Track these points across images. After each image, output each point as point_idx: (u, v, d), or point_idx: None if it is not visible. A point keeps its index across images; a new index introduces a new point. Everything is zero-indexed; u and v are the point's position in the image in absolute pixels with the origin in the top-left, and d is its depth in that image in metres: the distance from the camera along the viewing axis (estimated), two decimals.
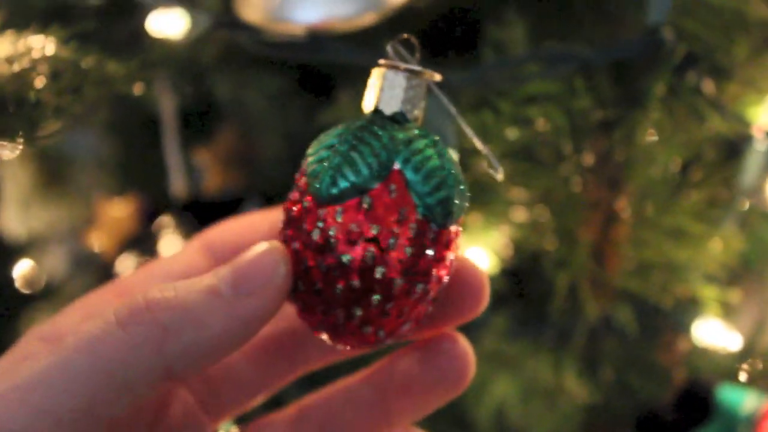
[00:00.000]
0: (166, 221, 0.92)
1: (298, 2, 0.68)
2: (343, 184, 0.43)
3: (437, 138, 0.46)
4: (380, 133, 0.45)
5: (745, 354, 0.87)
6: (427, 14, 0.85)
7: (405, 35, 0.48)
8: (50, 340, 0.47)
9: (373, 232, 0.43)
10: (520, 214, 0.79)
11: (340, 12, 0.69)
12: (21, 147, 0.56)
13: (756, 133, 0.77)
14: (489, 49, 0.75)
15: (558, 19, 0.79)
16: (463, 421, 0.90)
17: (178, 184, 0.91)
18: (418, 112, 0.47)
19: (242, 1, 0.70)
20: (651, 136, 0.74)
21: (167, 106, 0.85)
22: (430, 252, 0.44)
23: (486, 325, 0.87)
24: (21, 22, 0.62)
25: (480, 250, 0.83)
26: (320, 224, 0.44)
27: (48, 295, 1.10)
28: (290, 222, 0.45)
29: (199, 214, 0.88)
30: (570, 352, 0.84)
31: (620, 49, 0.73)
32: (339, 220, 0.43)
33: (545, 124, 0.74)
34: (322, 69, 0.89)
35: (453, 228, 0.45)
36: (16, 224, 1.13)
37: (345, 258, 0.43)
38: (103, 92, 0.61)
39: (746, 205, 0.79)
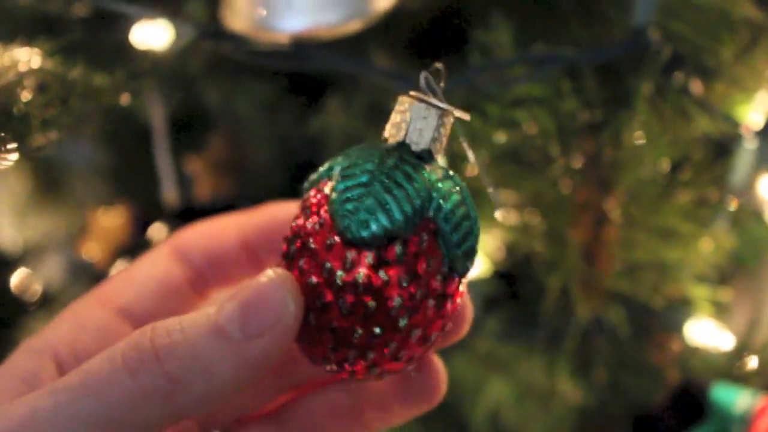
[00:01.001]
0: (158, 229, 0.92)
1: (283, 11, 0.68)
2: (376, 229, 0.42)
3: (459, 180, 0.45)
4: (414, 175, 0.44)
5: (739, 353, 0.87)
6: (413, 18, 0.85)
7: (437, 64, 0.47)
8: (42, 352, 0.47)
9: (404, 284, 0.43)
10: (510, 217, 0.79)
11: (326, 20, 0.69)
12: (11, 160, 0.56)
13: (745, 132, 0.77)
14: (476, 53, 0.75)
15: (544, 21, 0.80)
16: (457, 423, 0.90)
17: (169, 193, 0.91)
18: (441, 148, 0.46)
19: (228, 11, 0.70)
20: (639, 137, 0.74)
21: (157, 116, 0.85)
22: (449, 301, 0.44)
23: (479, 328, 0.87)
24: (6, 35, 0.62)
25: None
26: (348, 265, 0.43)
27: (44, 304, 1.11)
28: (305, 251, 0.44)
29: (191, 221, 0.88)
30: (563, 354, 0.84)
31: (606, 51, 0.74)
32: (368, 261, 0.43)
33: (533, 127, 0.74)
34: (311, 75, 0.89)
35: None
36: (12, 233, 1.13)
37: (371, 304, 0.43)
38: (90, 104, 0.62)
39: (736, 205, 0.79)
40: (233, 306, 0.42)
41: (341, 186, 0.44)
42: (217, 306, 0.42)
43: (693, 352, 0.86)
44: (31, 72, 0.59)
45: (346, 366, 0.44)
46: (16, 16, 0.74)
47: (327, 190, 0.45)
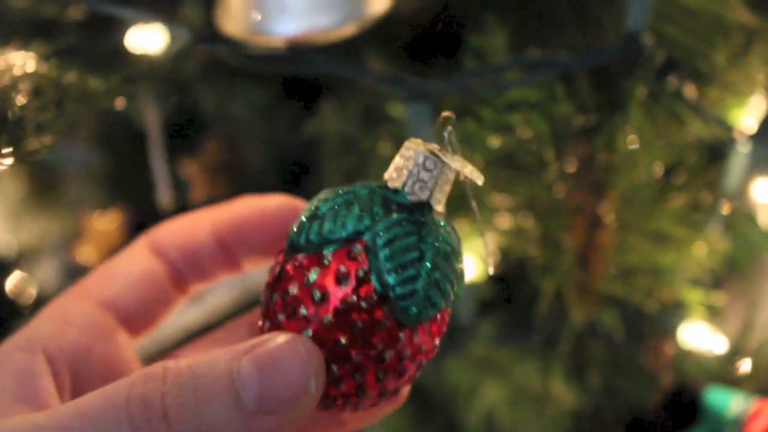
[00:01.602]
0: None
1: (277, 15, 0.69)
2: (426, 313, 0.42)
3: (452, 235, 0.44)
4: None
5: (732, 356, 0.87)
6: (408, 23, 0.85)
7: (448, 113, 0.46)
8: (32, 350, 0.46)
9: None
10: (504, 221, 0.79)
11: (320, 24, 0.69)
12: (6, 164, 0.56)
13: (738, 136, 0.78)
14: (470, 57, 0.75)
15: (538, 25, 0.80)
16: (452, 426, 0.90)
17: (164, 196, 0.91)
18: (442, 201, 0.45)
19: (223, 15, 0.70)
20: (633, 142, 0.74)
21: (152, 119, 0.85)
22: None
23: (474, 332, 0.87)
24: (1, 38, 0.62)
25: (467, 256, 0.83)
26: (400, 343, 0.42)
27: (39, 308, 1.10)
28: (344, 322, 0.42)
29: None
30: (557, 357, 0.85)
31: (600, 55, 0.74)
32: (416, 340, 0.42)
33: (527, 131, 0.74)
34: (306, 78, 0.89)
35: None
36: (7, 237, 1.13)
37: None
38: (85, 108, 0.62)
39: (729, 209, 0.80)
40: (251, 371, 0.39)
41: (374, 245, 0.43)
42: (232, 356, 0.40)
43: (686, 355, 0.86)
44: (26, 76, 0.59)
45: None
46: (11, 19, 0.74)
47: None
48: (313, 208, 0.44)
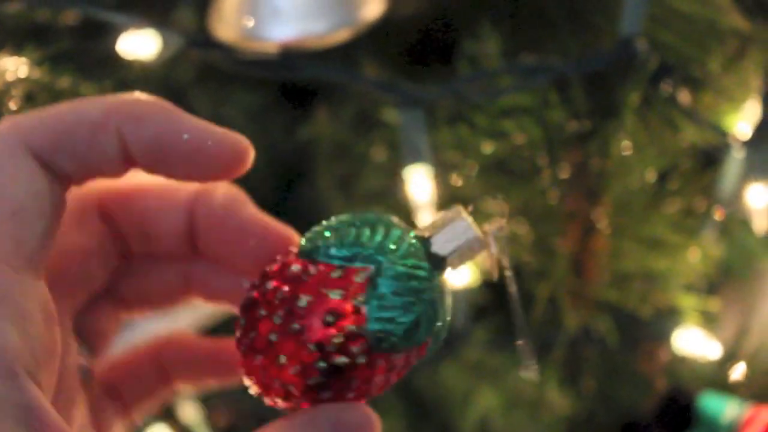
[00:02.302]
0: None
1: (271, 20, 0.69)
2: (397, 348, 0.42)
3: (443, 299, 0.43)
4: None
5: (727, 362, 0.87)
6: (401, 29, 0.85)
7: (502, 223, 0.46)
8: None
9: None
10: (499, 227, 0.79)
11: (314, 29, 0.69)
12: None
13: (732, 141, 0.77)
14: (464, 63, 0.75)
15: (532, 31, 0.80)
16: (447, 431, 0.90)
17: None
18: (455, 267, 0.46)
19: (216, 20, 0.70)
20: (626, 147, 0.74)
21: None
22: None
23: (468, 337, 0.87)
24: None
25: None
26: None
27: None
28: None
29: None
30: (551, 363, 0.84)
31: (594, 61, 0.74)
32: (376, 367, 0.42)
33: (521, 137, 0.74)
34: (300, 84, 0.89)
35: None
36: None
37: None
38: None
39: (724, 214, 0.80)
40: None
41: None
42: None
43: (681, 361, 0.86)
44: (19, 81, 0.60)
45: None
46: (3, 24, 0.73)
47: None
48: (333, 223, 0.44)
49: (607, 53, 0.73)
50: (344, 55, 0.76)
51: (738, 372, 0.88)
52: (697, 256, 0.80)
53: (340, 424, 0.40)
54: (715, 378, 0.87)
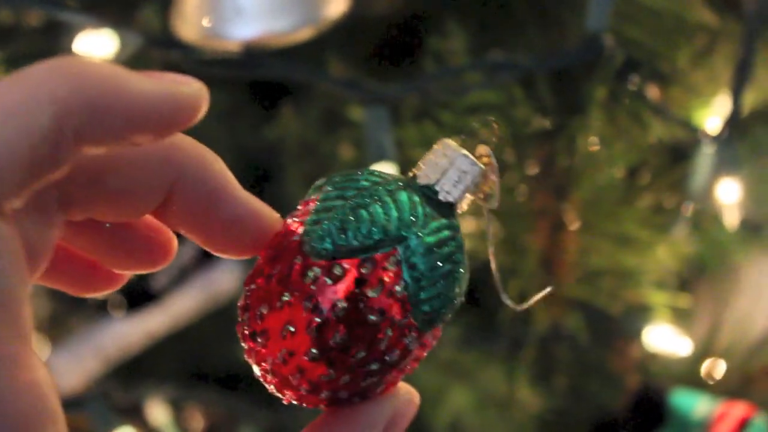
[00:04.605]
0: None
1: (232, 19, 0.68)
2: (440, 320, 0.39)
3: (461, 241, 0.42)
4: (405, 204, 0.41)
5: (698, 358, 0.87)
6: (368, 27, 0.84)
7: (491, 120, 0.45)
8: None
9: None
10: (468, 224, 0.78)
11: (276, 27, 0.69)
12: None
13: (702, 137, 0.77)
14: (430, 60, 0.75)
15: (498, 28, 0.79)
16: (418, 430, 0.90)
17: None
18: (464, 207, 0.43)
19: (178, 20, 0.70)
20: (594, 143, 0.74)
21: None
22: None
23: (440, 336, 0.87)
24: None
25: None
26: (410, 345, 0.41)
27: None
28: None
29: None
30: (523, 361, 0.84)
31: (561, 57, 0.73)
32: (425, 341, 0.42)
33: (487, 134, 0.73)
34: (268, 83, 0.88)
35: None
36: None
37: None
38: None
39: (695, 209, 0.79)
40: None
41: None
42: None
43: (652, 358, 0.86)
44: None
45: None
46: None
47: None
48: (329, 205, 0.41)
49: (573, 49, 0.72)
50: (311, 53, 0.76)
51: (710, 368, 0.88)
52: (667, 252, 0.80)
53: (395, 413, 0.39)
54: (687, 374, 0.87)
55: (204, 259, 0.93)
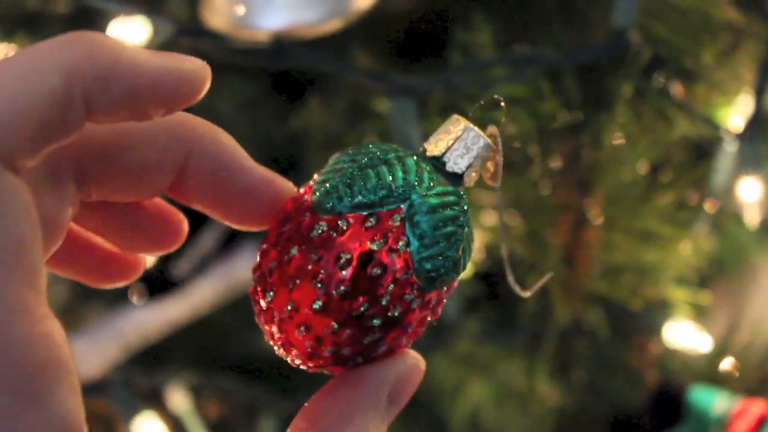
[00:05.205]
0: None
1: (263, 9, 0.68)
2: (445, 281, 0.40)
3: (465, 207, 0.40)
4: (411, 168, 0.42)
5: (717, 355, 0.87)
6: (394, 19, 0.85)
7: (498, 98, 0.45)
8: None
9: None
10: (490, 219, 0.79)
11: (305, 18, 0.69)
12: None
13: (725, 135, 0.77)
14: (457, 53, 0.75)
15: (525, 22, 0.80)
16: (437, 423, 0.90)
17: None
18: (471, 181, 0.44)
19: (207, 9, 0.70)
20: (618, 139, 0.74)
21: None
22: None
23: (459, 329, 0.87)
24: None
25: None
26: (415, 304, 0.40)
27: None
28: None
29: None
30: (542, 355, 0.84)
31: (587, 52, 0.74)
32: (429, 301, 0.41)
33: (513, 128, 0.74)
34: (292, 73, 0.89)
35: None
36: None
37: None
38: None
39: (716, 207, 0.80)
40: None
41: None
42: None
43: (672, 354, 0.86)
44: None
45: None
46: None
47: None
48: (339, 167, 0.42)
49: (600, 45, 0.73)
50: (336, 45, 0.76)
51: (728, 365, 0.88)
52: (688, 248, 0.80)
53: (401, 377, 0.39)
54: (706, 371, 0.87)
55: (224, 248, 0.94)
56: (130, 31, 0.68)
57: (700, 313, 0.84)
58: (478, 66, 0.73)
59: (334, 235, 0.38)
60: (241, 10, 0.68)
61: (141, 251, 0.44)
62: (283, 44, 0.70)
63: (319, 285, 0.37)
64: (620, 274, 0.79)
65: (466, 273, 0.83)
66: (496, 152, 0.43)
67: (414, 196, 0.39)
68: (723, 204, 0.80)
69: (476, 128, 0.41)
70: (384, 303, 0.38)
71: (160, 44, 0.67)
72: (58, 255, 0.42)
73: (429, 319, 0.41)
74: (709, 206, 0.79)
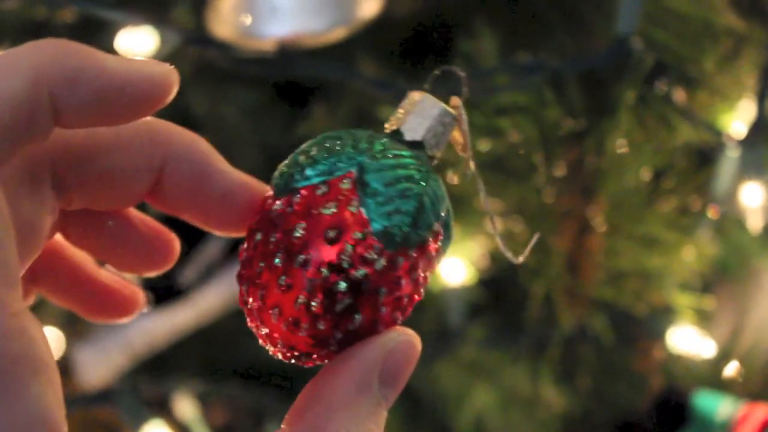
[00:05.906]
0: None
1: (268, 18, 0.69)
2: (411, 240, 0.39)
3: (427, 169, 0.40)
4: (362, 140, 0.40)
5: (721, 360, 0.87)
6: (398, 27, 0.85)
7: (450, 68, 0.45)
8: None
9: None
10: (490, 220, 0.79)
11: (310, 27, 0.70)
12: None
13: (727, 140, 0.78)
14: (460, 61, 0.75)
15: (528, 30, 0.80)
16: (443, 429, 0.91)
17: None
18: (437, 147, 0.44)
19: (213, 18, 0.71)
20: (622, 146, 0.75)
21: None
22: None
23: (463, 335, 0.87)
24: None
25: (457, 260, 0.83)
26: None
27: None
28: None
29: (176, 229, 0.89)
30: (547, 361, 0.85)
31: (590, 59, 0.74)
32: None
33: (516, 135, 0.74)
34: (297, 82, 0.89)
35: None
36: None
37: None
38: None
39: (719, 213, 0.80)
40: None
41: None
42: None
43: (676, 359, 0.86)
44: None
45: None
46: (1, 21, 0.74)
47: None
48: (299, 151, 0.42)
49: (602, 52, 0.73)
50: (341, 53, 0.76)
51: (732, 370, 0.88)
52: (691, 254, 0.80)
53: (392, 356, 0.38)
54: (710, 376, 0.87)
55: (230, 255, 0.94)
56: (137, 41, 0.69)
57: (704, 319, 0.84)
58: (481, 74, 0.74)
59: (290, 209, 0.38)
60: (247, 19, 0.68)
61: (133, 270, 0.44)
62: (288, 53, 0.71)
63: (278, 261, 0.37)
64: (624, 280, 0.80)
65: (469, 279, 0.83)
66: (461, 122, 0.43)
67: (363, 158, 0.39)
68: (726, 209, 0.80)
69: (433, 97, 0.42)
70: (345, 265, 0.37)
71: (167, 54, 0.68)
72: (57, 283, 0.43)
73: (412, 294, 0.39)
74: (712, 212, 0.79)
